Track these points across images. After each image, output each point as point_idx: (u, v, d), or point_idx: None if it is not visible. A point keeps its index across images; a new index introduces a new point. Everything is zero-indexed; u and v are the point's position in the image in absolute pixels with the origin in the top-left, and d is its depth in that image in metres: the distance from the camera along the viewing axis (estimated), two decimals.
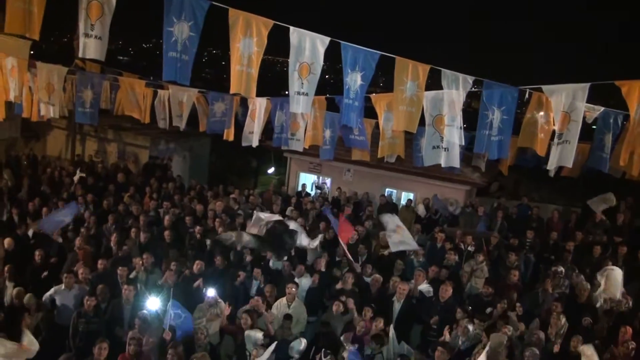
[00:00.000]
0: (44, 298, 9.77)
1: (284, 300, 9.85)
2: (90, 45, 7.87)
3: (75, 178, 16.46)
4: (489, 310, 9.87)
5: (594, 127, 11.01)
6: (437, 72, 9.49)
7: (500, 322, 9.30)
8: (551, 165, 9.69)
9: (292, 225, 11.81)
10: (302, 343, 8.70)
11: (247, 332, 8.83)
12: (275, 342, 8.33)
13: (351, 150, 14.88)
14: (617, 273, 10.76)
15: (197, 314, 9.55)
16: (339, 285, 10.70)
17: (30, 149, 21.24)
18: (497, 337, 8.45)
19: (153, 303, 9.17)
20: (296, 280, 10.64)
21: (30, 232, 12.47)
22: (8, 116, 13.57)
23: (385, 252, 12.33)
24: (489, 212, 15.67)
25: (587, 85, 8.86)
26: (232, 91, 9.17)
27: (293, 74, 9.07)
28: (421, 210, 16.12)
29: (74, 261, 11.18)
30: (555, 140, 9.23)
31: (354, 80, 9.42)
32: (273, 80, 35.26)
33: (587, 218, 14.78)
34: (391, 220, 12.03)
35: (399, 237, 11.76)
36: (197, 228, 12.72)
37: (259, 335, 8.70)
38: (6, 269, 10.23)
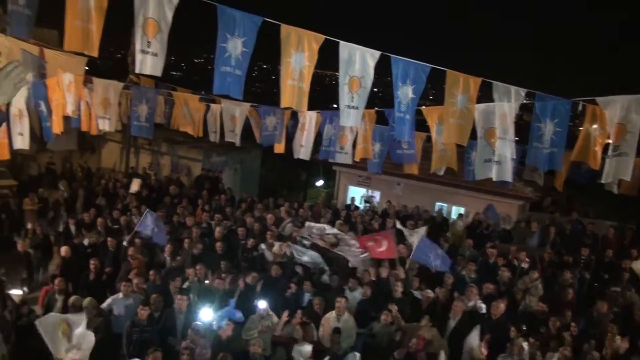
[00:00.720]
0: (104, 305, 10.01)
1: (333, 313, 9.84)
2: (147, 62, 8.05)
3: (134, 187, 16.84)
4: (543, 329, 9.67)
5: None
6: (488, 84, 9.41)
7: (554, 341, 9.10)
8: (606, 179, 9.42)
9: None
10: (357, 357, 8.69)
11: (295, 346, 8.86)
12: (328, 358, 8.33)
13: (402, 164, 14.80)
14: None
15: (249, 325, 9.66)
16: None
17: (84, 162, 21.86)
18: (552, 357, 8.28)
19: (206, 314, 9.31)
20: (347, 293, 10.66)
21: (85, 242, 12.81)
22: (65, 130, 14.01)
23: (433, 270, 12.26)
24: (542, 227, 15.36)
25: None
26: (283, 105, 9.26)
27: (343, 87, 9.11)
28: (460, 224, 15.88)
29: (128, 271, 11.45)
30: (610, 152, 8.94)
31: (405, 94, 9.39)
32: (322, 93, 35.45)
33: None
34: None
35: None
36: (250, 240, 12.86)
37: (307, 348, 8.73)
38: (56, 282, 10.45)
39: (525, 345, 8.83)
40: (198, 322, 9.04)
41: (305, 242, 12.59)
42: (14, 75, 2.65)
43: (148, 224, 12.74)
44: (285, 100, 9.04)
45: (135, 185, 16.90)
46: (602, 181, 9.71)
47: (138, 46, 8.03)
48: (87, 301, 9.74)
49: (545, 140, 9.47)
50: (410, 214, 17.10)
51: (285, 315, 9.66)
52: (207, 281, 11.07)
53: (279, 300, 10.58)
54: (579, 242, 13.88)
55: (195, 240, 12.70)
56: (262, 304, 9.77)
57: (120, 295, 10.12)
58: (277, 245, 12.42)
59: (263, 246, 12.69)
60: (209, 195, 17.36)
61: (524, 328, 9.38)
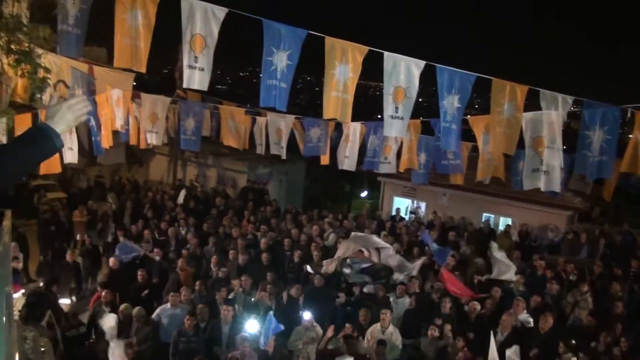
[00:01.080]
0: (153, 316, 10.17)
1: (378, 325, 9.78)
2: (195, 77, 8.22)
3: (180, 197, 17.09)
4: (593, 344, 9.41)
5: None
6: (535, 92, 9.27)
7: (603, 357, 8.85)
8: None
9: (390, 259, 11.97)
10: None
11: (337, 359, 8.78)
12: None
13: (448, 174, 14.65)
14: None
15: (294, 337, 9.69)
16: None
17: (132, 175, 22.30)
18: None
19: (252, 325, 9.35)
20: (393, 301, 10.60)
21: None
22: (114, 144, 14.33)
23: (482, 278, 12.05)
24: (591, 239, 15.00)
25: None
26: (326, 116, 9.32)
27: (387, 98, 9.10)
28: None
29: (175, 281, 11.62)
30: None
31: (451, 104, 9.33)
32: (366, 104, 35.44)
33: None
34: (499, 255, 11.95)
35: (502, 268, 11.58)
36: (297, 252, 12.90)
37: None
38: (103, 294, 10.62)
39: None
40: (245, 333, 9.09)
41: (355, 265, 12.41)
42: (76, 109, 2.82)
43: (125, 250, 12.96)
44: (329, 112, 9.08)
45: (182, 197, 17.14)
46: None
47: (185, 62, 8.21)
48: (136, 310, 9.96)
49: (595, 148, 9.26)
50: (456, 225, 16.92)
51: (330, 331, 9.64)
52: (253, 298, 11.11)
53: (324, 312, 10.58)
54: (629, 254, 13.50)
55: (240, 251, 12.82)
56: (307, 315, 9.78)
57: (168, 305, 10.29)
58: (325, 266, 12.32)
59: (309, 268, 12.61)
60: (255, 206, 17.50)
61: (573, 342, 9.14)
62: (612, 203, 17.84)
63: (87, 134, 13.41)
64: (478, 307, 10.54)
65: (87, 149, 14.05)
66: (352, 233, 13.21)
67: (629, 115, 9.16)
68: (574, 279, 11.84)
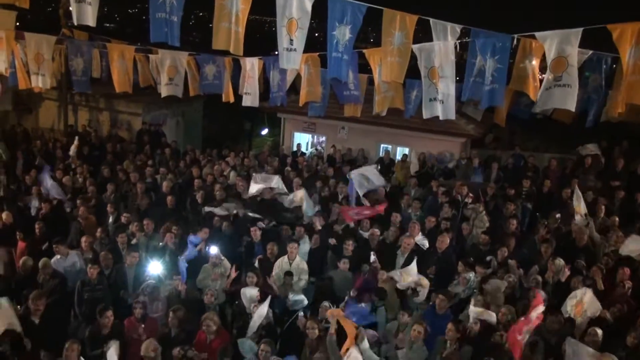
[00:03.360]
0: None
1: (285, 258, 9.91)
2: (84, 11, 7.93)
3: (73, 149, 16.28)
4: (489, 258, 9.97)
5: (587, 73, 10.97)
6: (428, 23, 9.41)
7: (500, 270, 9.42)
8: (545, 105, 9.57)
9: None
10: (303, 299, 8.89)
11: (242, 289, 8.81)
12: (270, 297, 8.39)
13: (344, 108, 14.78)
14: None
15: (202, 275, 9.69)
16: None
17: (19, 123, 21.03)
18: (494, 282, 8.60)
19: (155, 267, 9.25)
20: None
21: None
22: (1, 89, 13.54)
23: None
24: (484, 163, 15.67)
25: (580, 30, 8.72)
26: (216, 47, 9.13)
27: (281, 30, 8.99)
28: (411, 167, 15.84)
29: (78, 231, 11.28)
30: (552, 82, 9.02)
31: (342, 34, 9.34)
32: (263, 40, 34.89)
33: (580, 165, 14.81)
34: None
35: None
36: (200, 193, 12.77)
37: (254, 292, 8.72)
38: None
39: (467, 275, 9.15)
40: (150, 281, 8.99)
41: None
42: None
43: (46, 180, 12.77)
44: (219, 42, 8.92)
45: (74, 149, 16.27)
46: (538, 109, 9.84)
47: None
48: (42, 262, 9.52)
49: (486, 76, 9.58)
50: (355, 158, 17.24)
51: (233, 272, 9.69)
52: (156, 242, 10.94)
53: (231, 252, 10.55)
54: (521, 175, 14.21)
55: (140, 195, 12.54)
56: (213, 250, 9.75)
57: (58, 256, 9.93)
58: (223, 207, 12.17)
59: (207, 208, 12.33)
60: (151, 149, 17.07)
61: (471, 260, 9.64)
62: (506, 129, 18.66)
63: None
64: (378, 232, 10.89)
65: None
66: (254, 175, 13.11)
67: (514, 42, 9.49)
68: (469, 201, 12.35)
